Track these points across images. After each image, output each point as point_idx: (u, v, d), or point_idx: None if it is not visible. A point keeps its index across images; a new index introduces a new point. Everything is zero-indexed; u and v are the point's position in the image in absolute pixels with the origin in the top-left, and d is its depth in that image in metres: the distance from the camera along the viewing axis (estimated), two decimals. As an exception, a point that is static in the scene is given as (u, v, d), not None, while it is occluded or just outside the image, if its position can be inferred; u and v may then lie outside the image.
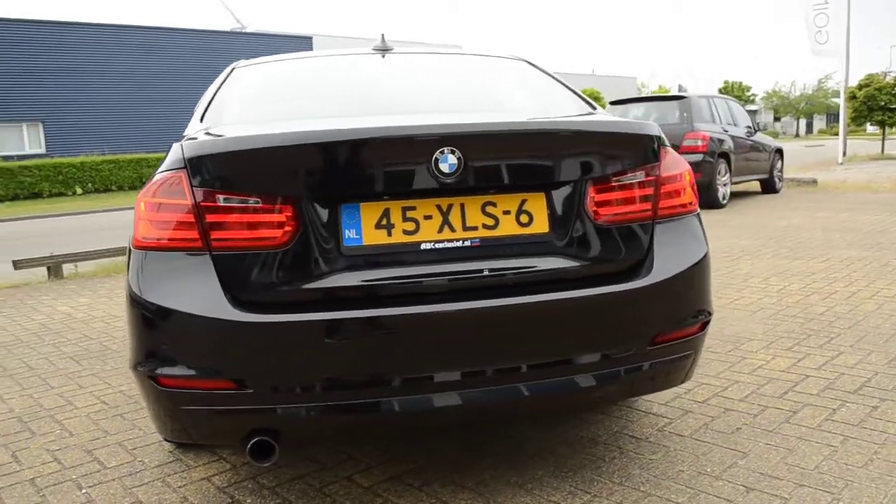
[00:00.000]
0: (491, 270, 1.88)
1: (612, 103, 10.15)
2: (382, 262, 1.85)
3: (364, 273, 1.84)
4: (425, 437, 2.57)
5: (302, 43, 34.95)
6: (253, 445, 1.83)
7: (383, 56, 2.87)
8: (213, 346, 1.80)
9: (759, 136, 10.65)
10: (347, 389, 1.82)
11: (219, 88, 2.58)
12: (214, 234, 1.81)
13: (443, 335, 1.83)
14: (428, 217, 1.87)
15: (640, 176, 2.01)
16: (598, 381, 1.95)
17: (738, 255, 5.82)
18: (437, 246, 1.86)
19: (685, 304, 2.05)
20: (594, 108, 2.49)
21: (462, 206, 1.89)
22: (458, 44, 49.76)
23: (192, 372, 1.80)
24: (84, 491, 2.35)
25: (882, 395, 2.70)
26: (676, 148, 8.87)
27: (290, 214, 1.80)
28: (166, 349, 1.82)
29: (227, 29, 37.58)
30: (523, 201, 1.93)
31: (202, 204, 1.80)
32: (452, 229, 1.87)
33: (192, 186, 1.81)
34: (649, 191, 2.02)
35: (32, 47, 26.73)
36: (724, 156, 9.34)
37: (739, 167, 9.81)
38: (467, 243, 1.88)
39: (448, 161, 1.80)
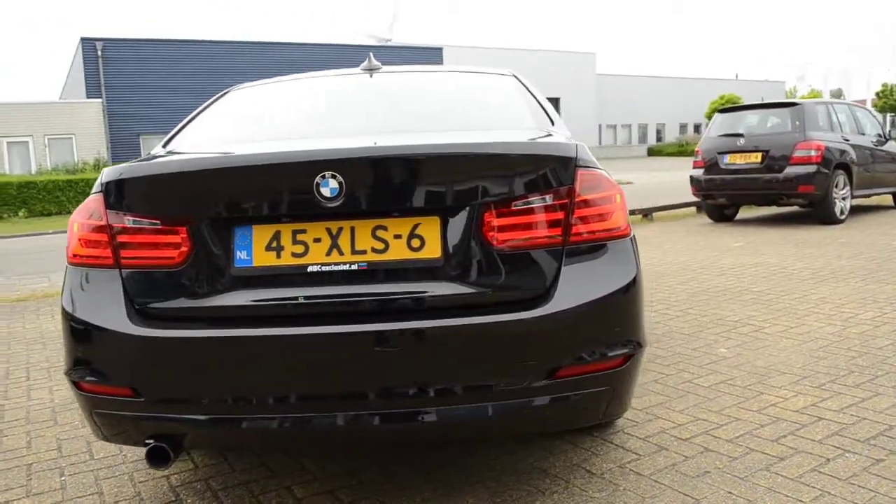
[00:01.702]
0: (376, 294, 1.84)
1: (720, 111, 9.53)
2: (270, 283, 1.87)
3: (252, 293, 1.87)
4: (378, 455, 2.54)
5: (432, 54, 35.79)
6: (149, 450, 1.90)
7: (371, 76, 2.91)
8: (114, 356, 1.91)
9: (893, 146, 9.59)
10: (228, 404, 1.85)
11: (200, 112, 2.73)
12: (123, 253, 1.93)
13: (322, 357, 1.82)
14: (317, 240, 1.87)
15: (547, 200, 1.88)
16: (488, 413, 1.83)
17: (825, 277, 5.27)
18: (324, 269, 1.85)
19: (597, 336, 1.89)
20: (551, 127, 2.36)
21: (352, 229, 1.87)
22: (592, 51, 48.96)
23: (100, 379, 1.92)
24: (63, 478, 2.54)
25: (895, 446, 2.34)
26: (787, 159, 8.21)
27: (185, 236, 1.89)
28: (83, 357, 1.95)
29: (374, 43, 39.34)
30: (416, 225, 1.86)
31: (113, 225, 1.94)
32: (341, 252, 1.86)
33: (106, 209, 1.95)
34: (559, 215, 1.88)
35: (160, 63, 29.28)
36: (844, 167, 8.49)
37: (864, 179, 8.88)
38: (354, 266, 1.85)
39: (329, 185, 1.80)
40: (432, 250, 1.85)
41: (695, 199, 9.82)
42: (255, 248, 1.88)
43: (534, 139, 2.08)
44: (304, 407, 1.85)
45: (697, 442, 2.49)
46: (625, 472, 2.30)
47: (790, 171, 8.21)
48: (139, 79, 29.11)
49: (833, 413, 2.66)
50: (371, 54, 3.02)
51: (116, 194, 1.94)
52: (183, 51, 30.42)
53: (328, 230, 1.87)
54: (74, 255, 2.02)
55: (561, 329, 1.83)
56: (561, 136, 2.18)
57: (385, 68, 3.01)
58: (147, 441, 1.93)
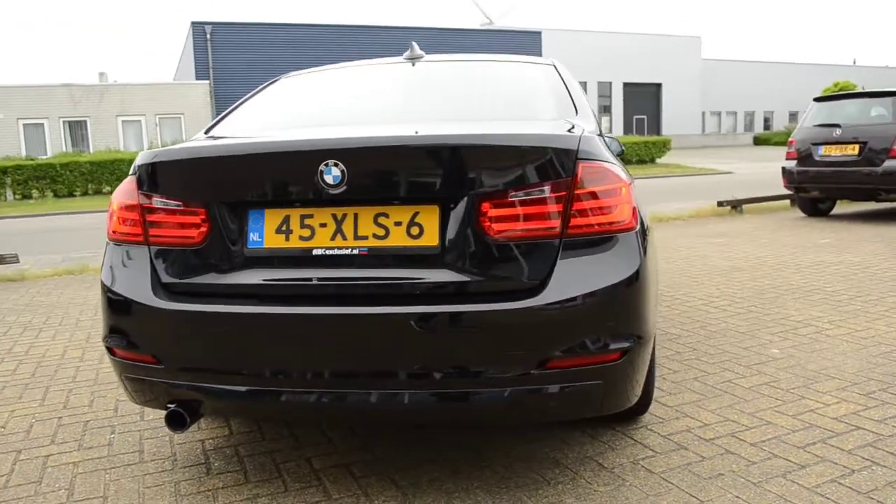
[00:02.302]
0: (375, 279, 1.90)
1: (817, 99, 8.95)
2: (279, 264, 1.98)
3: (263, 273, 1.98)
4: (398, 433, 2.61)
5: (531, 39, 35.38)
6: (168, 414, 2.05)
7: (413, 65, 2.96)
8: (140, 326, 2.07)
9: None
10: (240, 375, 1.97)
11: (247, 99, 2.87)
12: (152, 231, 2.09)
13: (322, 336, 1.90)
14: (323, 225, 1.95)
15: (545, 191, 1.87)
16: (477, 399, 1.86)
17: (913, 279, 4.91)
18: (328, 252, 1.93)
19: (591, 329, 1.86)
20: (574, 117, 2.32)
21: (356, 215, 1.93)
22: (697, 35, 46.91)
23: (128, 346, 2.09)
24: (112, 436, 2.77)
25: (935, 463, 2.19)
26: (887, 152, 7.66)
27: (203, 217, 2.02)
28: (115, 326, 2.13)
29: (477, 26, 39.39)
30: (415, 213, 1.91)
31: (143, 205, 2.10)
32: (344, 237, 1.93)
33: (138, 190, 2.10)
34: (557, 207, 1.87)
35: (266, 46, 30.21)
36: (954, 162, 7.81)
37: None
38: (356, 251, 1.92)
39: (332, 173, 1.87)
40: (430, 238, 1.89)
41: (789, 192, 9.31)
42: (267, 231, 1.99)
43: (537, 131, 2.06)
44: (302, 381, 1.94)
45: (720, 443, 2.41)
46: (636, 469, 2.26)
47: (890, 164, 7.64)
48: (245, 61, 30.32)
49: (873, 423, 2.51)
50: (414, 43, 3.06)
51: (146, 177, 2.09)
52: (288, 34, 31.40)
53: (333, 216, 1.94)
54: (113, 232, 2.19)
55: (552, 320, 1.83)
56: (576, 127, 2.14)
57: (428, 57, 3.06)
58: (168, 405, 2.08)
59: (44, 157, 23.16)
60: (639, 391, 2.11)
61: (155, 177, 2.08)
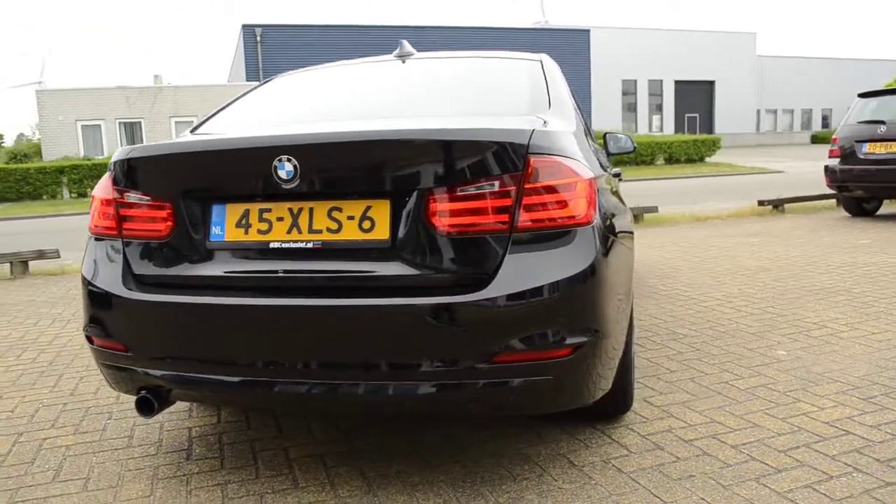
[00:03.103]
0: (327, 272, 1.93)
1: (861, 95, 8.61)
2: (239, 256, 2.02)
3: (223, 265, 2.03)
4: (381, 425, 2.63)
5: (579, 36, 34.99)
6: (137, 400, 2.11)
7: (403, 62, 2.98)
8: (111, 316, 2.14)
9: None
10: (200, 363, 2.02)
11: (239, 97, 2.93)
12: (125, 225, 2.16)
13: (276, 327, 1.93)
14: (280, 219, 1.98)
15: (493, 186, 1.85)
16: (425, 392, 1.85)
17: (948, 282, 4.67)
18: (284, 245, 1.97)
19: (539, 324, 1.83)
20: (545, 113, 2.30)
21: (311, 210, 1.96)
22: (752, 31, 45.61)
23: (103, 335, 2.16)
24: (107, 422, 2.86)
25: (921, 471, 2.08)
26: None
27: (170, 212, 2.08)
28: (92, 315, 2.20)
29: (529, 25, 39.27)
30: (367, 208, 1.92)
31: (117, 200, 2.17)
32: (300, 231, 1.96)
33: (113, 186, 2.18)
34: (505, 202, 1.85)
35: (315, 48, 30.61)
36: None
37: None
38: (310, 245, 1.95)
39: (285, 168, 1.90)
40: (381, 232, 1.90)
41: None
42: (228, 225, 2.04)
43: (490, 126, 2.03)
44: (256, 370, 1.97)
45: (699, 444, 2.34)
46: (605, 468, 2.22)
47: (937, 162, 7.30)
48: (294, 63, 30.57)
49: (865, 429, 2.40)
50: (403, 41, 3.09)
51: (120, 173, 2.17)
52: (337, 35, 31.80)
53: (290, 210, 1.98)
54: (94, 226, 2.27)
55: (498, 314, 1.81)
56: (539, 122, 2.13)
57: (418, 55, 3.08)
58: (139, 391, 2.14)
59: (100, 157, 24.04)
60: (602, 387, 2.07)
61: (127, 173, 2.15)
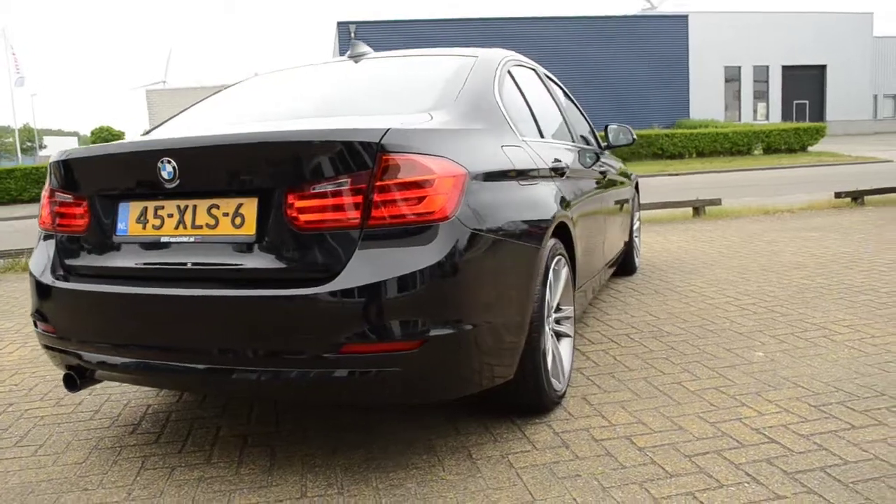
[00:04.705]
0: (203, 264, 2.05)
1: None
2: (137, 250, 2.19)
3: (125, 257, 2.21)
4: (322, 410, 2.72)
5: (676, 23, 33.65)
6: (63, 376, 2.33)
7: (357, 62, 3.07)
8: (45, 302, 2.36)
9: None
10: (103, 346, 2.19)
11: (203, 99, 3.09)
12: (58, 220, 2.38)
13: (162, 314, 2.08)
14: (170, 215, 2.13)
15: (345, 184, 1.90)
16: (279, 377, 1.93)
17: None
18: (172, 240, 2.12)
19: (386, 317, 1.86)
20: (436, 110, 2.33)
21: (195, 207, 2.09)
22: (869, 11, 42.13)
23: (40, 318, 2.39)
24: (86, 397, 3.10)
25: (816, 485, 1.93)
26: None
27: (86, 209, 2.28)
28: (35, 301, 2.43)
29: (636, 12, 38.33)
30: (239, 205, 2.03)
31: (50, 199, 2.40)
32: (185, 227, 2.10)
33: (49, 185, 2.43)
34: (356, 199, 1.90)
35: (412, 43, 30.95)
36: None
37: None
38: (192, 239, 2.08)
39: (166, 169, 2.06)
40: (249, 228, 2.01)
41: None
42: (130, 220, 2.21)
43: (348, 126, 2.09)
44: (148, 353, 2.12)
45: (607, 445, 2.28)
46: (499, 462, 2.20)
47: None
48: (390, 58, 31.32)
49: (793, 438, 2.24)
50: (357, 41, 3.19)
51: (53, 174, 2.40)
52: (430, 29, 32.09)
53: (178, 207, 2.13)
54: (40, 221, 2.51)
55: (344, 307, 1.86)
56: (416, 120, 2.18)
57: (372, 55, 3.15)
58: (67, 369, 2.34)
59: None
60: (470, 383, 2.10)
61: (56, 174, 2.38)
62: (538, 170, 2.57)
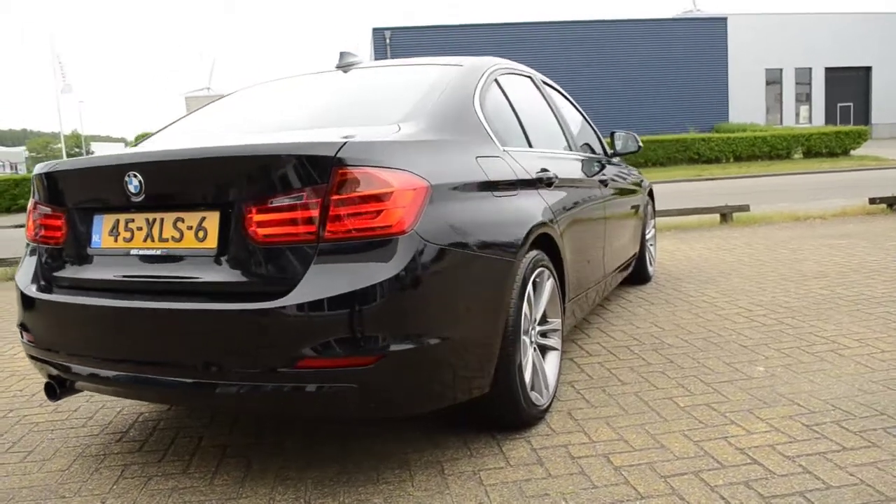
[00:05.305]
0: (167, 277, 2.07)
1: None
2: (109, 262, 2.21)
3: (98, 269, 2.24)
4: (301, 425, 2.71)
5: (714, 25, 33.06)
6: (44, 385, 2.36)
7: (346, 72, 3.07)
8: (26, 312, 2.39)
9: None
10: (78, 356, 2.22)
11: (195, 110, 3.12)
12: (40, 232, 2.42)
13: (127, 325, 2.10)
14: (140, 228, 2.15)
15: (301, 198, 1.89)
16: (238, 391, 1.92)
17: None
18: (141, 252, 2.14)
19: (342, 332, 1.84)
20: (405, 121, 2.30)
21: (162, 220, 2.11)
22: None
23: (23, 328, 2.43)
24: (84, 404, 3.15)
25: (798, 510, 1.84)
26: None
27: (63, 221, 2.31)
28: (20, 311, 2.47)
29: (677, 14, 37.87)
30: (203, 218, 2.04)
31: (33, 210, 2.45)
32: (153, 240, 2.12)
33: (32, 198, 2.46)
34: (312, 213, 1.88)
35: (447, 48, 30.94)
36: None
37: None
38: (158, 252, 2.10)
39: (132, 183, 2.08)
40: (211, 241, 2.02)
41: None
42: (103, 233, 2.24)
43: (301, 140, 2.08)
44: (115, 364, 2.15)
45: (582, 463, 2.22)
46: (470, 479, 2.16)
47: None
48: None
49: (778, 460, 2.15)
50: (343, 51, 3.19)
51: (35, 186, 2.44)
52: (465, 35, 32.07)
53: (147, 220, 2.15)
54: (27, 233, 2.54)
55: (299, 322, 1.85)
56: (380, 133, 2.16)
57: (360, 64, 3.14)
58: (48, 378, 2.38)
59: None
60: (440, 397, 2.07)
61: (37, 187, 2.43)
62: (518, 181, 2.52)
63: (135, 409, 3.02)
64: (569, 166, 3.23)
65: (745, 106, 34.42)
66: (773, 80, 36.79)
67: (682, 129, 27.70)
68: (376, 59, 31.94)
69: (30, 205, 2.50)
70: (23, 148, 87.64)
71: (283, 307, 1.84)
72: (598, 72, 31.10)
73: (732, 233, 7.66)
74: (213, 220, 2.02)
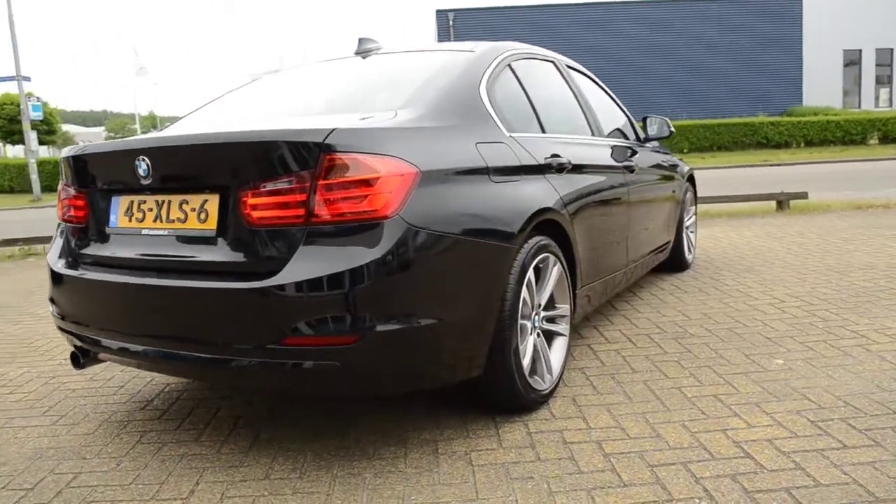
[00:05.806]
0: (172, 256, 2.18)
1: None
2: (124, 241, 2.35)
3: (114, 248, 2.37)
4: (318, 401, 2.81)
5: (788, 4, 31.59)
6: (70, 354, 2.53)
7: (365, 58, 3.12)
8: (54, 287, 2.56)
9: None
10: (96, 329, 2.36)
11: (217, 97, 3.25)
12: (67, 212, 2.58)
13: (138, 300, 2.22)
14: (150, 209, 2.28)
15: (291, 182, 1.96)
16: (228, 365, 2.02)
17: None
18: (151, 233, 2.27)
19: (325, 311, 1.91)
20: (402, 107, 2.36)
21: (169, 202, 2.23)
22: None
23: (53, 302, 2.61)
24: (118, 373, 3.34)
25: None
26: None
27: (85, 202, 2.47)
28: (50, 286, 2.64)
29: None
30: (205, 201, 2.14)
31: (61, 192, 2.62)
32: (161, 220, 2.24)
33: (62, 178, 2.61)
34: (301, 197, 1.95)
35: (510, 30, 30.57)
36: None
37: None
38: (165, 232, 2.22)
39: (142, 167, 2.20)
40: (211, 223, 2.12)
41: None
42: (119, 214, 2.38)
43: (292, 127, 2.16)
44: (130, 337, 2.28)
45: (574, 449, 2.23)
46: (460, 459, 2.21)
47: None
48: (486, 45, 31.13)
49: (772, 455, 2.11)
50: (362, 38, 3.24)
51: (63, 169, 2.60)
52: (528, 15, 31.67)
53: (157, 202, 2.27)
54: (58, 212, 2.70)
55: (285, 301, 1.92)
56: (370, 120, 2.22)
57: (378, 51, 3.18)
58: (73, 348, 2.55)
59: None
60: (428, 378, 2.13)
61: (65, 169, 2.59)
62: (522, 167, 2.53)
63: (162, 381, 3.18)
64: (587, 151, 3.20)
65: (821, 89, 32.86)
66: (852, 61, 34.98)
67: (753, 113, 26.72)
68: (439, 41, 32.01)
69: (59, 186, 2.66)
70: (102, 128, 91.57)
71: (271, 286, 1.93)
72: (666, 53, 30.23)
73: (787, 221, 7.41)
74: (213, 202, 2.11)
